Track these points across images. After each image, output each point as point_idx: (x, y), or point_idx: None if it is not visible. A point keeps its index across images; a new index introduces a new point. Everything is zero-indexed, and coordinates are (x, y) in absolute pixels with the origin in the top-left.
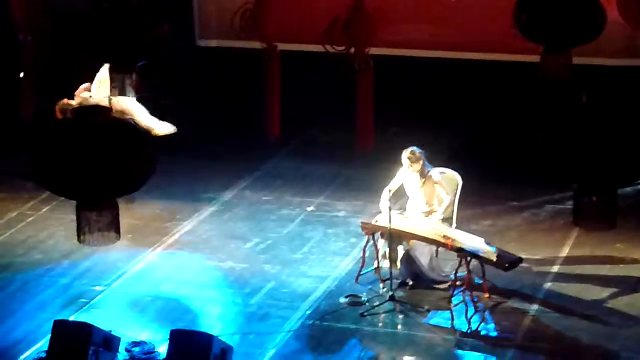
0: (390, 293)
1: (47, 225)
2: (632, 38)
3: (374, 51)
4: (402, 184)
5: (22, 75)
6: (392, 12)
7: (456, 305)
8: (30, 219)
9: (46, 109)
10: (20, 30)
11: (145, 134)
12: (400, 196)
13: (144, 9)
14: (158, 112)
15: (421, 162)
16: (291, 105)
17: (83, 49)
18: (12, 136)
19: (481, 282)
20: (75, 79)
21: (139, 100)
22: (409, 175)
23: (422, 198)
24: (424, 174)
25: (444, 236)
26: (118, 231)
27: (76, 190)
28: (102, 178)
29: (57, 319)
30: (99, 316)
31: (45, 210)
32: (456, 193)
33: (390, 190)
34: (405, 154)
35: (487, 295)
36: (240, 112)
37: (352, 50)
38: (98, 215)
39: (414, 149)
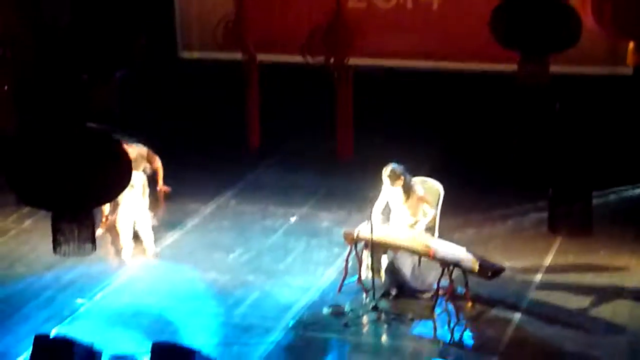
0: (373, 303)
1: (29, 238)
2: (613, 46)
3: (354, 61)
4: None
5: (5, 88)
6: (371, 21)
7: (439, 315)
8: (13, 232)
9: (29, 123)
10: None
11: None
12: (388, 209)
13: (122, 20)
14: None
15: (402, 178)
16: (273, 116)
17: (62, 61)
18: None
19: (464, 291)
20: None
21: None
22: (392, 190)
23: (406, 211)
24: (407, 189)
25: (426, 245)
26: (94, 242)
27: (51, 201)
28: (77, 188)
29: (39, 332)
30: (81, 329)
31: (27, 223)
32: (438, 203)
33: (377, 210)
34: (385, 173)
35: (470, 304)
36: (222, 124)
37: (331, 60)
38: (73, 226)
39: (393, 166)
